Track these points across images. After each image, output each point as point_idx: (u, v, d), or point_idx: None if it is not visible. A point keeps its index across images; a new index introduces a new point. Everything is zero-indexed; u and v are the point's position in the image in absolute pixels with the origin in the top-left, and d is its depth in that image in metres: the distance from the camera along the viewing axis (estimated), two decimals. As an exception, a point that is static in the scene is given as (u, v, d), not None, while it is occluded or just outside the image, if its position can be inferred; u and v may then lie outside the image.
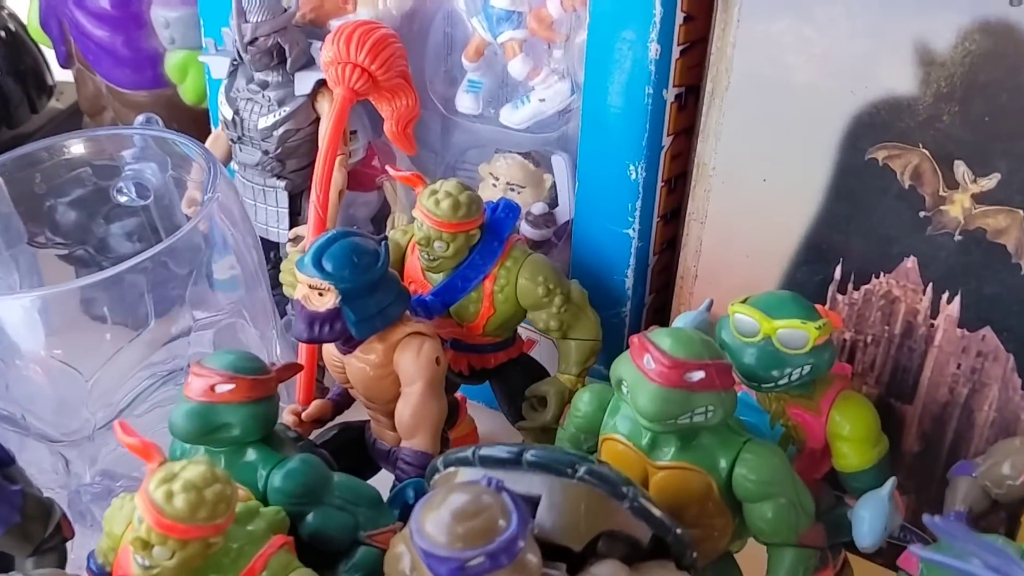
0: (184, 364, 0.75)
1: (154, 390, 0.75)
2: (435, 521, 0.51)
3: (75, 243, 1.07)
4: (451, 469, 0.61)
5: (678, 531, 0.58)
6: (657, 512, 0.57)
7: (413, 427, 0.74)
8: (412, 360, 0.74)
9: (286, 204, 0.96)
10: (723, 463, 0.65)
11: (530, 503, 0.56)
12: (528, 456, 0.58)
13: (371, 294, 0.72)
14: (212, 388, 0.66)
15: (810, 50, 0.71)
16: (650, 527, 0.57)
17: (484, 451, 0.59)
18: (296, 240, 0.92)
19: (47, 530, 0.69)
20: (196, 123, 1.15)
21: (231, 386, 0.66)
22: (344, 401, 0.84)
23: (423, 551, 0.50)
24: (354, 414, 0.84)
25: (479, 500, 0.52)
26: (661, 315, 0.91)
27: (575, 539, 0.55)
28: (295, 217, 0.97)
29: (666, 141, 0.81)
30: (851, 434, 0.71)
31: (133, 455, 0.57)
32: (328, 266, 0.70)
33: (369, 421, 0.83)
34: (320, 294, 0.71)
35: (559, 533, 0.55)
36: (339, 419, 0.84)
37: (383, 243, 0.73)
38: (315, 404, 0.82)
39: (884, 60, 0.69)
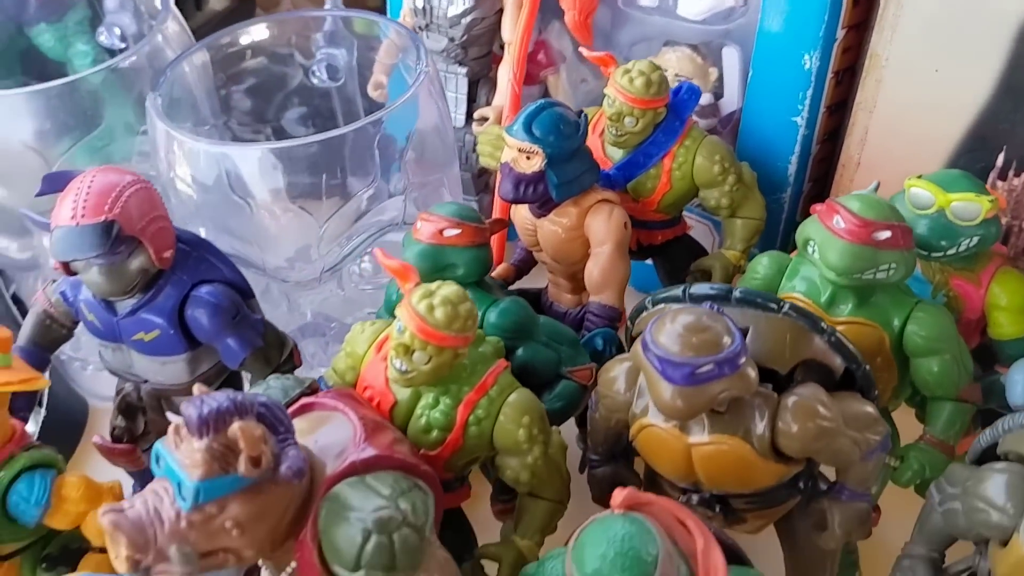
0: (399, 221, 0.84)
1: (371, 242, 0.83)
2: (669, 334, 0.59)
3: (254, 129, 1.15)
4: (660, 306, 0.68)
5: (866, 367, 0.65)
6: (852, 347, 0.64)
7: (602, 284, 0.82)
8: (603, 223, 0.81)
9: (465, 90, 1.03)
10: (896, 321, 0.72)
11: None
12: (736, 294, 0.65)
13: (570, 160, 0.79)
14: (440, 232, 0.74)
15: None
16: (844, 360, 0.64)
17: (694, 289, 0.67)
18: (481, 120, 1.00)
19: (282, 356, 0.79)
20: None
21: (458, 231, 0.74)
22: (524, 267, 0.92)
23: (659, 359, 0.58)
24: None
25: (706, 319, 0.59)
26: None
27: (781, 363, 0.63)
28: (471, 104, 1.05)
29: (840, 34, 0.86)
30: (1008, 304, 0.77)
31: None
32: (537, 131, 0.78)
33: (545, 287, 0.92)
34: (528, 157, 0.78)
35: (767, 358, 0.63)
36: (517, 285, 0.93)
37: (582, 115, 0.80)
38: (500, 268, 0.90)
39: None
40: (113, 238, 0.68)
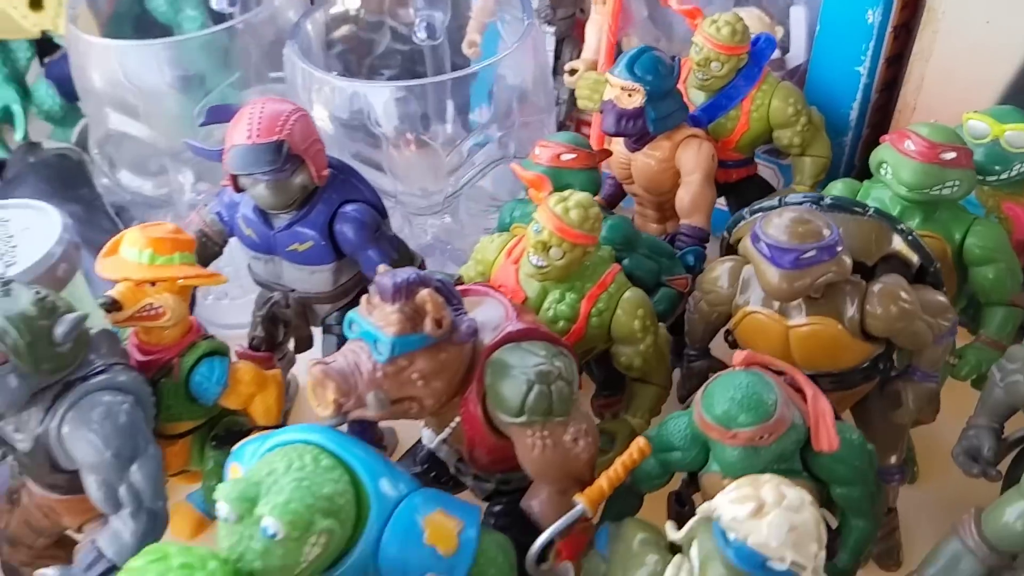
0: (510, 154, 0.94)
1: (486, 173, 0.94)
2: (777, 226, 0.69)
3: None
4: (757, 215, 0.79)
5: (938, 264, 0.76)
6: (926, 246, 0.75)
7: (692, 208, 0.93)
8: (693, 155, 0.92)
9: (552, 47, 1.14)
10: (957, 235, 0.83)
11: (828, 234, 0.74)
12: (826, 201, 0.76)
13: (665, 98, 0.90)
14: (558, 156, 0.85)
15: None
16: (919, 257, 0.75)
17: (789, 198, 0.77)
18: (571, 72, 1.11)
19: (412, 269, 0.90)
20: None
21: (573, 155, 0.85)
22: (613, 201, 1.03)
23: (768, 246, 0.69)
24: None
25: (807, 214, 0.70)
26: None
27: (867, 257, 0.74)
28: (556, 60, 1.15)
29: (900, -10, 0.97)
30: (1055, 224, 0.88)
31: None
32: (639, 71, 0.89)
33: (631, 219, 1.02)
34: (629, 95, 0.89)
35: (856, 253, 0.73)
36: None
37: (676, 59, 0.91)
38: (593, 200, 1.01)
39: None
40: (283, 156, 0.79)
